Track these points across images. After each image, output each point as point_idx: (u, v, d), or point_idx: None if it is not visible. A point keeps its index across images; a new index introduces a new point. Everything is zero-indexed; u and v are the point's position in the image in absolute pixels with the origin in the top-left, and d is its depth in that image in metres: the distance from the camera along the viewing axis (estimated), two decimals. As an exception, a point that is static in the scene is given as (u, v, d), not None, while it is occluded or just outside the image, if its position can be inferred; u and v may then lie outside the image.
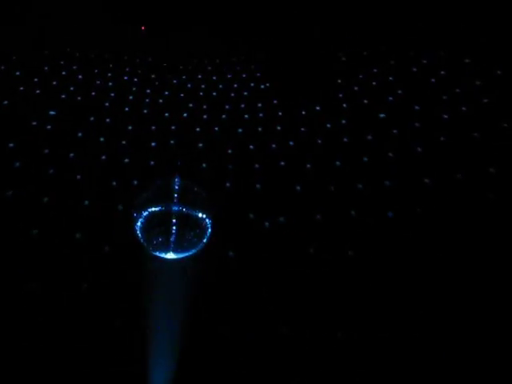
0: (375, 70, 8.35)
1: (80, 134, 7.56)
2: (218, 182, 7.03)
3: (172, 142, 7.69)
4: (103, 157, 7.30)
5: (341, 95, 8.19)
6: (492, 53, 7.81)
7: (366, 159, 7.12)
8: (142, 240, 5.29)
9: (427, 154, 7.00)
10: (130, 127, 7.85)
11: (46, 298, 5.85)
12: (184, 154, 7.33)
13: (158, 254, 5.36)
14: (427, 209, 6.41)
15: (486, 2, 8.02)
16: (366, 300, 5.87)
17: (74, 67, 8.76)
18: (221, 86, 8.76)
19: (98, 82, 8.57)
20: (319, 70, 8.58)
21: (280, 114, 8.12)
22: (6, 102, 7.82)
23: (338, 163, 7.17)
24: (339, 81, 8.40)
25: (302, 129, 7.80)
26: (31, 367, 5.46)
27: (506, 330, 5.40)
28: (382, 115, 7.66)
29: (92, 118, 7.86)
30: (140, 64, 9.03)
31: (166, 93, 8.59)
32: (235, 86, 8.74)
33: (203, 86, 8.76)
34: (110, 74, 8.75)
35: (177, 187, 5.23)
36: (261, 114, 8.16)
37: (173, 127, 7.93)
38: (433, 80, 7.89)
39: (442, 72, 7.95)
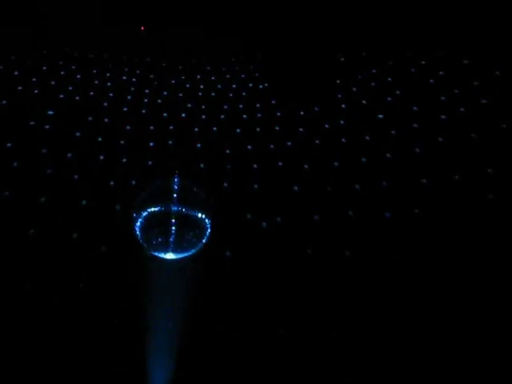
0: (374, 71, 8.34)
1: (78, 134, 7.56)
2: (215, 182, 7.02)
3: (170, 142, 7.69)
4: (101, 157, 7.30)
5: (339, 96, 8.18)
6: (491, 54, 7.81)
7: (364, 160, 7.12)
8: (141, 240, 5.28)
9: (425, 154, 7.00)
10: (128, 127, 7.84)
11: (45, 298, 5.85)
12: (182, 154, 7.32)
13: (157, 254, 5.35)
14: (425, 209, 6.41)
15: (485, 3, 8.01)
16: (363, 300, 5.87)
17: (73, 67, 8.75)
18: (219, 86, 8.75)
19: (97, 82, 8.56)
20: (318, 70, 8.58)
21: (278, 114, 8.12)
22: (4, 102, 7.83)
23: (335, 164, 7.16)
24: (338, 81, 8.39)
25: (301, 129, 7.80)
26: (31, 367, 5.47)
27: (501, 329, 5.40)
28: (380, 116, 7.65)
29: (90, 118, 7.86)
30: (138, 64, 9.02)
31: (165, 93, 8.59)
32: (234, 86, 8.74)
33: (202, 86, 8.75)
34: (108, 74, 8.74)
35: (176, 187, 5.22)
36: (259, 115, 8.15)
37: (171, 127, 7.93)
38: (431, 81, 7.88)
39: (441, 73, 7.95)
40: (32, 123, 7.58)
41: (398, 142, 7.28)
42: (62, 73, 8.65)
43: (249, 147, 7.62)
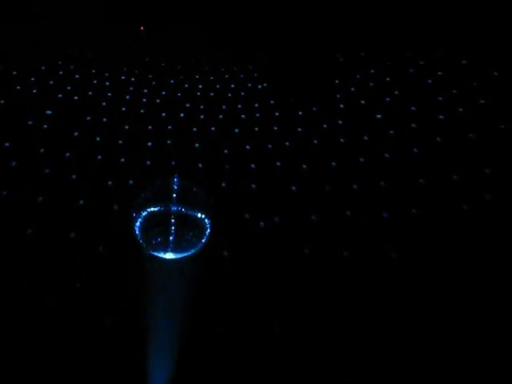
0: (372, 71, 8.34)
1: (76, 134, 7.56)
2: (214, 182, 7.02)
3: (168, 141, 7.68)
4: (99, 156, 7.30)
5: (338, 96, 8.19)
6: (489, 54, 7.81)
7: (362, 160, 7.12)
8: (140, 240, 5.28)
9: (423, 154, 7.00)
10: (126, 127, 7.85)
11: (44, 298, 5.85)
12: (180, 154, 7.32)
13: (156, 254, 5.35)
14: (422, 209, 6.41)
15: (484, 3, 8.02)
16: (361, 300, 5.87)
17: (71, 67, 8.75)
18: (218, 86, 8.75)
19: (95, 82, 8.57)
20: (317, 70, 8.58)
21: (277, 114, 8.12)
22: (2, 102, 7.83)
23: (333, 164, 7.16)
24: (336, 81, 8.40)
25: (299, 129, 7.80)
26: (30, 368, 5.46)
27: (497, 329, 5.40)
28: (378, 116, 7.66)
29: (89, 118, 7.86)
30: (137, 64, 9.02)
31: (163, 93, 8.59)
32: (232, 86, 8.74)
33: (200, 86, 8.75)
34: (107, 74, 8.74)
35: (176, 187, 5.21)
36: (257, 115, 8.16)
37: (169, 127, 7.93)
38: (430, 81, 7.88)
39: (439, 73, 7.95)
40: (30, 123, 7.58)
41: (396, 142, 7.28)
42: (61, 72, 8.66)
43: (247, 147, 7.63)
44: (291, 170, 7.17)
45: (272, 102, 8.31)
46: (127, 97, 8.42)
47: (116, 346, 5.61)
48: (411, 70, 8.12)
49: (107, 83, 8.61)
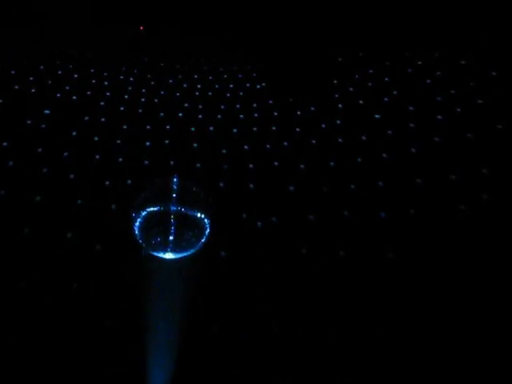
0: (371, 71, 8.34)
1: (74, 133, 7.56)
2: (212, 181, 7.02)
3: (167, 141, 7.68)
4: (97, 156, 7.30)
5: (336, 95, 8.19)
6: (488, 54, 7.81)
7: (359, 160, 7.12)
8: (140, 240, 5.28)
9: (421, 154, 7.00)
10: (124, 126, 7.85)
11: (43, 298, 5.85)
12: (178, 154, 7.32)
13: (156, 253, 5.35)
14: (420, 209, 6.41)
15: (482, 4, 8.02)
16: (358, 300, 5.87)
17: (70, 66, 8.76)
18: (217, 86, 8.76)
19: (94, 81, 8.57)
20: (315, 70, 8.58)
21: (275, 114, 8.12)
22: (0, 101, 7.83)
23: (331, 163, 7.16)
24: (335, 81, 8.40)
25: (297, 129, 7.80)
26: (30, 368, 5.46)
27: (493, 329, 5.41)
28: (376, 116, 7.66)
29: (87, 118, 7.86)
30: (136, 63, 9.02)
31: (162, 92, 8.59)
32: (231, 86, 8.74)
33: (199, 86, 8.76)
34: (105, 74, 8.75)
35: (175, 187, 5.21)
36: (256, 114, 8.16)
37: (168, 127, 7.93)
38: (428, 81, 7.88)
39: (438, 73, 7.95)
40: (28, 122, 7.58)
41: (394, 142, 7.27)
42: (59, 72, 8.66)
43: (245, 147, 7.63)
44: (289, 169, 7.17)
45: (270, 101, 8.31)
46: (126, 96, 8.42)
47: (115, 346, 5.61)
48: (409, 70, 8.12)
49: (106, 83, 8.62)
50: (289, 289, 6.06)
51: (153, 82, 8.77)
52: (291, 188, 6.92)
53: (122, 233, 5.71)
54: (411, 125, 7.41)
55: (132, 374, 5.48)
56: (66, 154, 7.26)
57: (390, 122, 7.54)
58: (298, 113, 8.04)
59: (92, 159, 7.26)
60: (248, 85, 8.76)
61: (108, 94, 8.43)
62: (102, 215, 6.59)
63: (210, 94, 8.64)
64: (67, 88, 8.35)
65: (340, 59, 8.73)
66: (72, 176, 6.98)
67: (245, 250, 6.33)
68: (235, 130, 7.92)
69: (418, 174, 6.79)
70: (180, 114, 8.20)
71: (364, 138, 7.41)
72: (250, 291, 6.04)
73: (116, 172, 7.09)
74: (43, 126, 7.60)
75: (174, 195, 5.16)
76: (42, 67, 8.64)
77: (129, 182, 6.99)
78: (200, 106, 8.36)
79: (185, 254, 5.35)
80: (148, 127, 7.89)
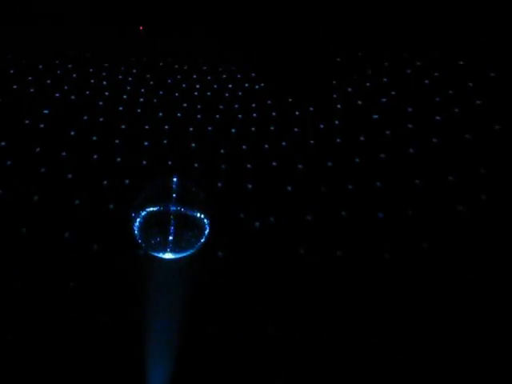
0: (369, 71, 8.34)
1: (73, 133, 7.56)
2: (210, 181, 7.02)
3: (165, 141, 7.69)
4: (95, 156, 7.30)
5: (335, 96, 8.19)
6: (486, 55, 7.81)
7: (358, 160, 7.12)
8: (139, 240, 5.28)
9: (419, 155, 7.00)
10: (123, 126, 7.85)
11: (43, 298, 5.85)
12: (177, 154, 7.33)
13: (155, 253, 5.35)
14: (418, 210, 6.41)
15: (481, 4, 8.02)
16: (355, 301, 5.87)
17: (69, 66, 8.76)
18: (215, 86, 8.76)
19: (93, 81, 8.58)
20: (314, 70, 8.59)
21: (274, 114, 8.12)
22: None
23: (329, 164, 7.17)
24: (333, 82, 8.40)
25: (296, 129, 7.80)
26: (29, 368, 5.46)
27: (491, 329, 5.41)
28: (375, 116, 7.66)
29: (85, 117, 7.87)
30: (135, 63, 9.03)
31: (161, 92, 8.60)
32: (230, 86, 8.75)
33: (198, 86, 8.76)
34: (104, 73, 8.75)
35: (175, 187, 5.21)
36: (254, 114, 8.16)
37: (166, 127, 7.93)
38: (426, 81, 7.89)
39: (436, 74, 7.95)
40: (27, 122, 7.59)
41: (392, 142, 7.28)
42: (58, 72, 8.66)
43: (244, 147, 7.63)
44: (287, 170, 7.17)
45: (269, 102, 8.31)
46: (124, 96, 8.42)
47: (115, 346, 5.61)
48: (408, 71, 8.13)
49: (104, 82, 8.62)
50: (286, 289, 6.05)
51: (152, 82, 8.77)
52: (289, 188, 6.93)
53: (122, 233, 5.71)
54: (409, 125, 7.42)
55: (131, 373, 5.47)
56: (64, 153, 7.26)
57: (389, 122, 7.54)
58: (297, 113, 8.04)
59: (90, 159, 7.26)
60: (247, 85, 8.77)
61: (107, 93, 8.43)
62: (101, 215, 6.58)
63: (208, 94, 8.64)
64: (66, 88, 8.36)
65: (338, 59, 8.74)
66: (70, 176, 6.98)
67: (242, 250, 6.33)
68: (234, 130, 7.92)
69: (416, 175, 6.79)
70: (179, 114, 8.20)
71: (362, 138, 7.42)
72: (249, 291, 6.04)
73: (114, 172, 7.09)
74: (42, 125, 7.61)
75: (174, 195, 5.16)
76: (40, 67, 8.65)
77: (127, 181, 6.99)
78: (199, 106, 8.36)
79: (184, 254, 5.35)
80: (147, 127, 7.89)
